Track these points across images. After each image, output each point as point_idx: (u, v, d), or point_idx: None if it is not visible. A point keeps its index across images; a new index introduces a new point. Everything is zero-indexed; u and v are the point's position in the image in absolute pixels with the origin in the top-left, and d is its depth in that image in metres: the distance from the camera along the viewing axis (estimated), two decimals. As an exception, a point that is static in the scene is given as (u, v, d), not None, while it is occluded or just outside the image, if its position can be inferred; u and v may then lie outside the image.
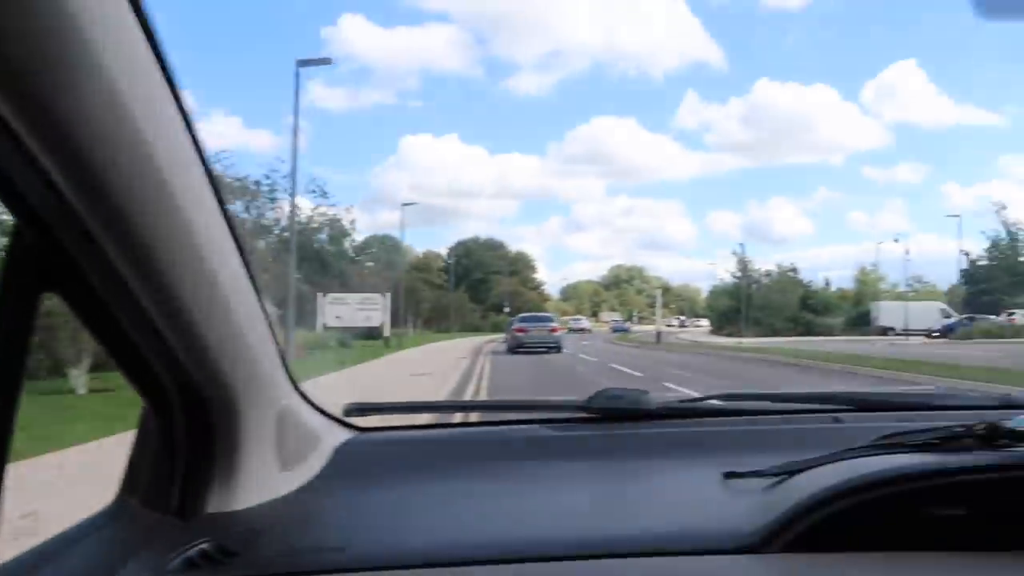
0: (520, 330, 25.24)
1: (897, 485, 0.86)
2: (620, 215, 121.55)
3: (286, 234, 23.52)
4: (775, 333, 50.46)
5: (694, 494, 1.03)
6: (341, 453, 1.19)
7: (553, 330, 25.32)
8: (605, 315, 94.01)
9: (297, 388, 1.13)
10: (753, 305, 51.50)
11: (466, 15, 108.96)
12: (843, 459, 0.94)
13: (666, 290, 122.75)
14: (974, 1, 0.81)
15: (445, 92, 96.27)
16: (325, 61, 22.42)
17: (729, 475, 1.02)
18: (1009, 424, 0.90)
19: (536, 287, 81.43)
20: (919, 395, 1.62)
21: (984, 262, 45.95)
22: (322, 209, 34.44)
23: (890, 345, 29.74)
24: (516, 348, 24.21)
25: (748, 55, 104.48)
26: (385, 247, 68.48)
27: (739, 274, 55.78)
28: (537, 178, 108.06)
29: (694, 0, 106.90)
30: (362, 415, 1.32)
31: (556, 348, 24.29)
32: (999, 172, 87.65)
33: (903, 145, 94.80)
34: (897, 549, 0.81)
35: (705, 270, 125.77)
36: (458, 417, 1.88)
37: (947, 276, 55.74)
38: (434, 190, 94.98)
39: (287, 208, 24.14)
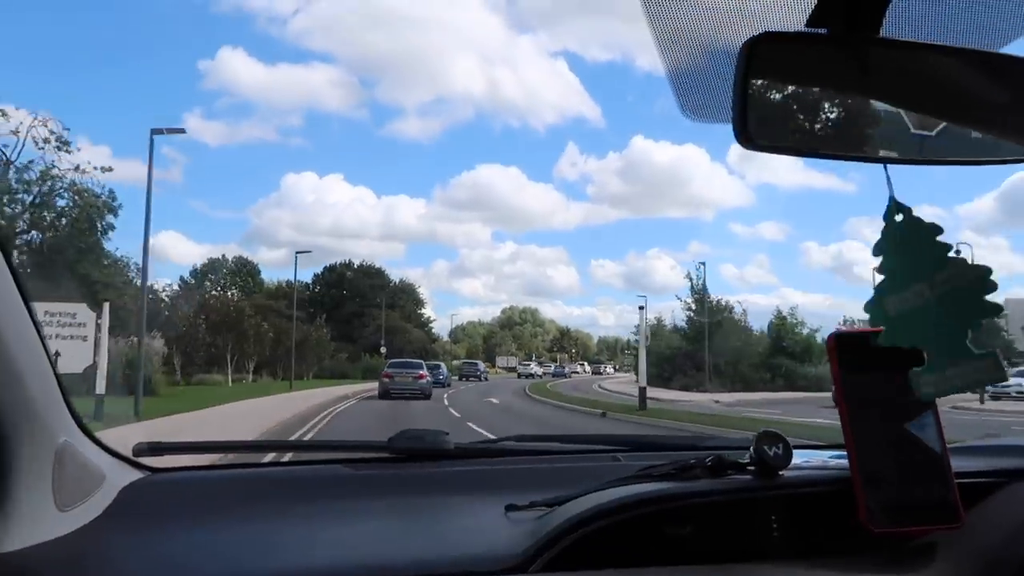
0: (387, 376, 25.20)
1: (638, 509, 0.97)
2: (506, 261, 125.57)
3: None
4: (746, 386, 38.13)
5: (477, 525, 1.09)
6: (128, 493, 1.16)
7: (420, 377, 25.22)
8: (505, 360, 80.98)
9: (80, 424, 1.10)
10: (712, 350, 38.63)
11: (350, 57, 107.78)
12: (603, 489, 1.03)
13: (563, 334, 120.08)
14: (679, 104, 0.89)
15: (329, 132, 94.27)
16: (179, 131, 21.13)
17: (510, 507, 1.09)
18: (732, 457, 1.06)
19: (423, 324, 66.29)
20: (689, 436, 2.01)
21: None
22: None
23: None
24: (383, 394, 23.98)
25: (623, 112, 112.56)
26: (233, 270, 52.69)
27: (693, 308, 42.81)
28: (424, 221, 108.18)
29: (573, 58, 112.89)
30: (154, 455, 1.30)
31: (423, 395, 24.24)
32: (850, 233, 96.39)
33: (764, 204, 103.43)
34: (641, 565, 0.92)
35: (588, 315, 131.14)
36: (264, 457, 1.75)
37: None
38: (318, 230, 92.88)
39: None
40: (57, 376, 1.02)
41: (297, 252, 47.93)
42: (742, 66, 0.83)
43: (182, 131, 22.47)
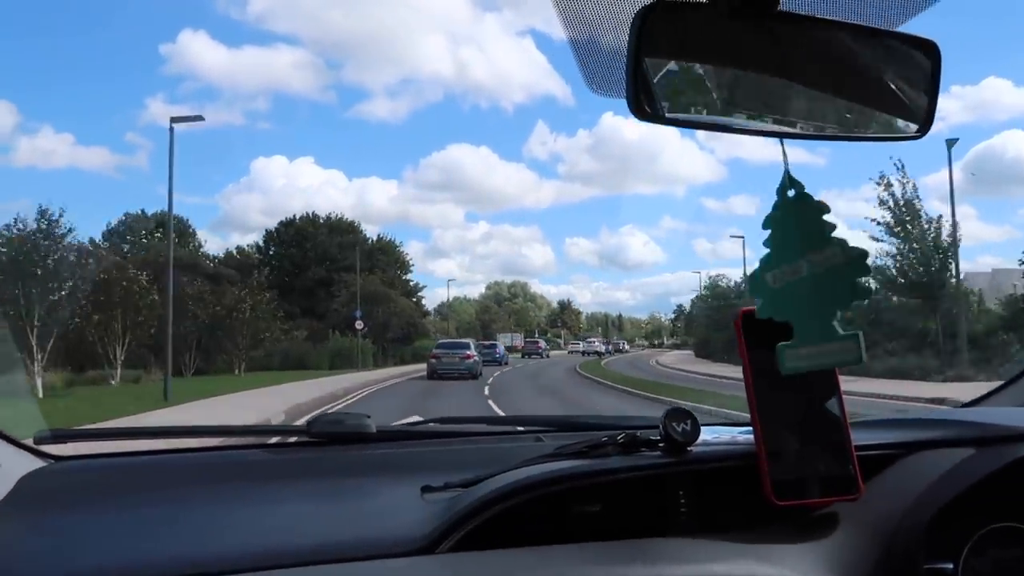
0: (435, 356, 25.50)
1: (547, 487, 0.97)
2: (480, 241, 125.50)
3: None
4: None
5: (391, 507, 1.07)
6: (27, 482, 1.14)
7: (467, 357, 25.24)
8: (509, 337, 67.99)
9: None
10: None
11: (315, 39, 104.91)
12: (515, 468, 1.03)
13: (564, 307, 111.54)
14: (584, 77, 0.90)
15: (297, 115, 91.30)
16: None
17: (425, 489, 1.08)
18: (644, 435, 1.06)
19: (411, 292, 51.89)
20: (612, 417, 1.97)
21: None
22: None
23: None
24: (432, 375, 24.41)
25: None
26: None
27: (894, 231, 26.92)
28: (396, 203, 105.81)
29: (539, 37, 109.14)
30: (58, 442, 1.27)
31: (471, 376, 24.26)
32: None
33: (735, 179, 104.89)
34: (551, 543, 0.91)
35: (565, 293, 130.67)
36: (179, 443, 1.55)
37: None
38: (289, 213, 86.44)
39: None
40: None
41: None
42: (635, 35, 0.82)
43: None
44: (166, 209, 19.21)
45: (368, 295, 40.08)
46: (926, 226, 22.26)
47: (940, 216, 22.64)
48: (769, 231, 0.94)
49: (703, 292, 46.94)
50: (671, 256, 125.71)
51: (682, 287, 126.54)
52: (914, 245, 21.86)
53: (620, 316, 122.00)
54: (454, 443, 1.40)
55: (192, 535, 1.00)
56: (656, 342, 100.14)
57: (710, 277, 46.26)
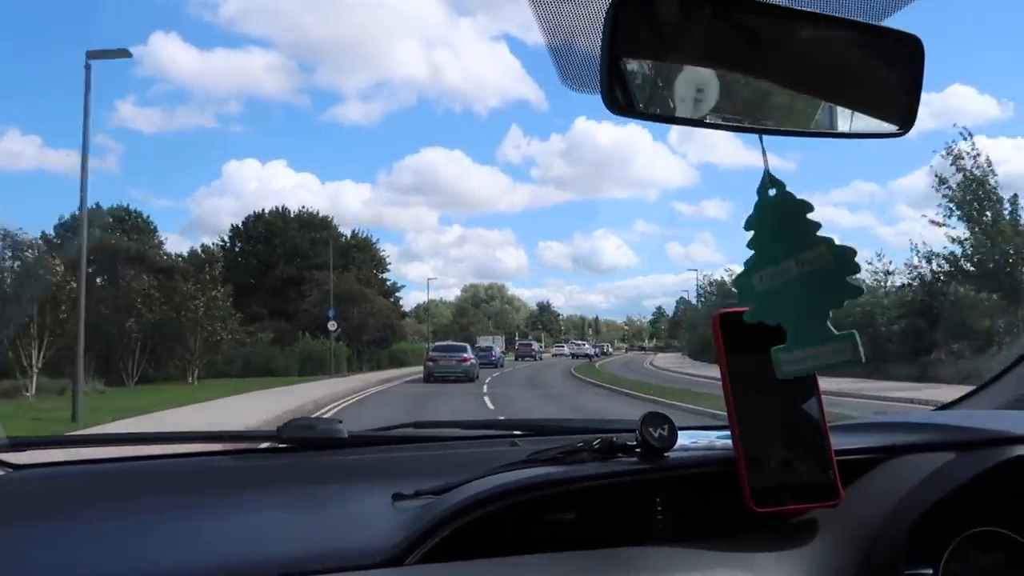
0: (431, 359, 25.72)
1: (520, 495, 0.94)
2: (454, 245, 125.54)
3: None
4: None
5: (361, 516, 1.04)
6: None
7: (463, 360, 25.28)
8: (489, 339, 65.43)
9: None
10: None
11: (288, 42, 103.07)
12: (488, 475, 0.99)
13: (543, 309, 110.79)
14: (560, 75, 0.89)
15: (270, 118, 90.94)
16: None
17: (396, 496, 1.04)
18: (621, 440, 1.02)
19: (389, 292, 48.51)
20: (589, 420, 1.87)
21: None
22: None
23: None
24: (428, 377, 24.59)
25: (566, 95, 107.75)
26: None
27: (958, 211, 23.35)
28: (370, 206, 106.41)
29: (513, 42, 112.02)
30: (16, 450, 1.24)
31: (468, 378, 24.32)
32: None
33: (707, 183, 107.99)
34: (525, 552, 0.88)
35: (538, 296, 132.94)
36: (147, 450, 1.51)
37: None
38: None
39: None
40: None
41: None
42: (609, 28, 0.80)
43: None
44: (124, 204, 15.73)
45: (342, 294, 36.80)
46: (1004, 207, 19.27)
47: (1015, 195, 19.60)
48: (752, 233, 0.91)
49: (706, 291, 44.71)
50: (644, 260, 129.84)
51: (655, 290, 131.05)
52: (988, 229, 18.91)
53: (597, 319, 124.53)
54: (428, 448, 1.37)
55: (157, 546, 0.95)
56: (638, 345, 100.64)
57: (704, 276, 44.92)
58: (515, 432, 1.45)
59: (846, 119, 0.94)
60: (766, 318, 0.90)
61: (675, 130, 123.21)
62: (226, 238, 46.10)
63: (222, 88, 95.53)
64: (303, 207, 47.06)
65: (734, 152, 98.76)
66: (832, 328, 0.88)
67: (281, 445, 1.31)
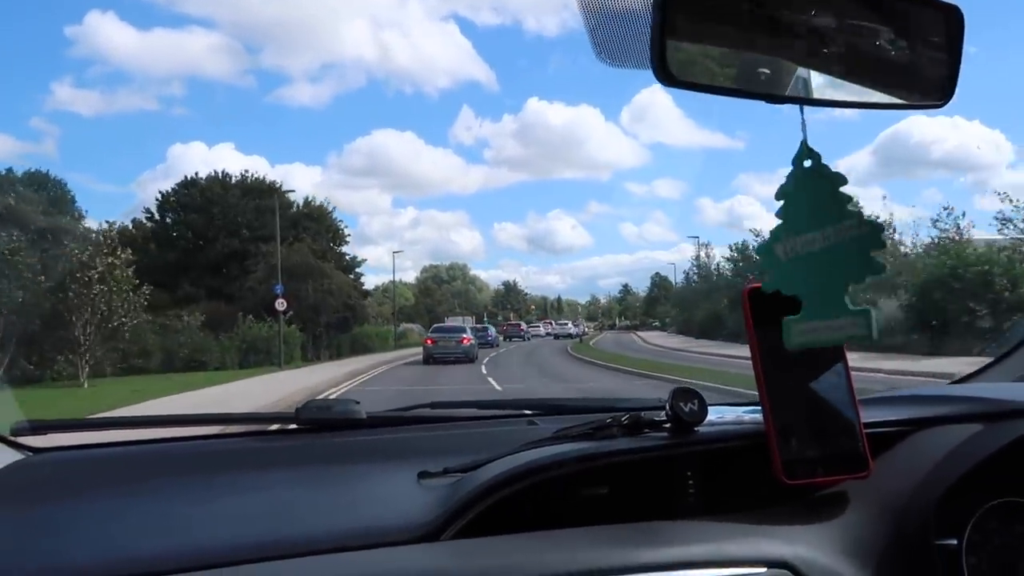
0: (431, 341, 25.71)
1: (554, 470, 0.95)
2: (408, 227, 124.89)
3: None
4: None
5: (389, 494, 1.04)
6: (6, 475, 1.12)
7: (462, 341, 25.24)
8: (461, 320, 60.63)
9: None
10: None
11: (231, 22, 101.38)
12: (517, 452, 1.00)
13: (509, 288, 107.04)
14: (595, 50, 0.89)
15: (215, 100, 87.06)
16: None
17: (422, 475, 1.05)
18: (649, 416, 1.04)
19: (350, 267, 42.26)
20: (604, 399, 1.75)
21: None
22: None
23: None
24: (428, 360, 24.41)
25: (517, 75, 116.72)
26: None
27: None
28: (321, 189, 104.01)
29: (463, 22, 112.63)
30: (37, 434, 1.24)
31: (467, 359, 24.31)
32: (741, 189, 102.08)
33: (659, 163, 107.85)
34: (557, 527, 0.89)
35: (494, 278, 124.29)
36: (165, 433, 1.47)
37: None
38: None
39: None
40: None
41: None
42: (660, 1, 0.82)
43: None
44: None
45: (293, 268, 30.69)
46: None
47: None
48: (782, 203, 0.91)
49: (727, 258, 40.89)
50: (598, 240, 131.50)
51: (610, 270, 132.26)
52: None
53: (559, 298, 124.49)
54: (445, 428, 1.37)
55: (180, 526, 0.95)
56: (608, 324, 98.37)
57: (703, 244, 42.75)
58: (533, 411, 1.44)
59: (886, 89, 0.94)
60: (784, 288, 0.90)
61: (627, 111, 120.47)
62: (153, 209, 39.31)
63: (163, 69, 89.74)
64: (245, 170, 40.47)
65: (685, 132, 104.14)
66: (849, 303, 0.88)
67: (300, 426, 1.31)
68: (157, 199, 39.25)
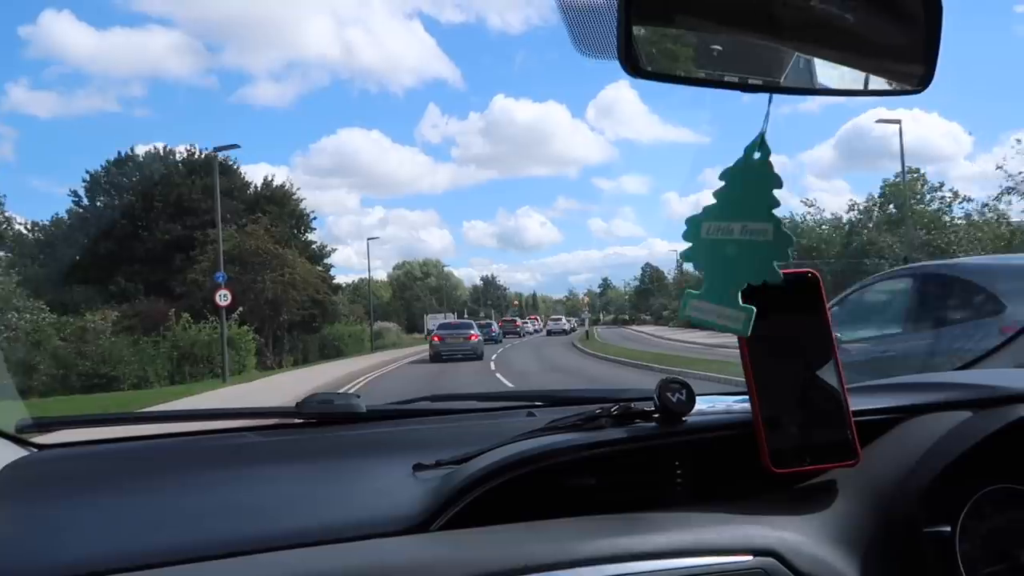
0: (438, 338, 25.05)
1: (541, 461, 0.95)
2: (377, 227, 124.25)
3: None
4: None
5: (384, 487, 1.05)
6: (10, 472, 1.12)
7: (470, 337, 24.71)
8: (443, 317, 55.43)
9: None
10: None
11: (191, 21, 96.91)
12: (508, 443, 1.02)
13: (488, 284, 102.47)
14: (574, 42, 0.89)
15: (176, 101, 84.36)
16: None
17: (417, 467, 1.07)
18: (639, 406, 1.04)
19: (318, 257, 36.35)
20: (605, 390, 1.71)
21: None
22: None
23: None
24: (436, 357, 23.99)
25: (482, 73, 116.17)
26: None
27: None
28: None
29: (427, 20, 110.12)
30: (41, 431, 1.27)
31: (476, 356, 23.76)
32: (708, 183, 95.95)
33: (625, 159, 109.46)
34: (546, 518, 0.90)
35: (465, 276, 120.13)
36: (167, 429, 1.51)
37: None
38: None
39: None
40: None
41: None
42: None
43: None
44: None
45: (246, 255, 24.98)
46: None
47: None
48: (724, 183, 0.93)
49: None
50: (568, 236, 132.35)
51: (580, 266, 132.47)
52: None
53: (535, 294, 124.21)
54: (445, 420, 1.38)
55: (182, 520, 0.97)
56: (592, 319, 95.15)
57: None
58: (532, 403, 1.45)
59: (861, 76, 0.93)
60: (695, 262, 0.94)
61: (592, 107, 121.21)
62: (80, 192, 33.21)
63: (123, 70, 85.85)
64: (191, 145, 34.50)
65: (650, 127, 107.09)
66: (739, 298, 0.91)
67: (301, 420, 1.34)
68: (85, 180, 33.23)
